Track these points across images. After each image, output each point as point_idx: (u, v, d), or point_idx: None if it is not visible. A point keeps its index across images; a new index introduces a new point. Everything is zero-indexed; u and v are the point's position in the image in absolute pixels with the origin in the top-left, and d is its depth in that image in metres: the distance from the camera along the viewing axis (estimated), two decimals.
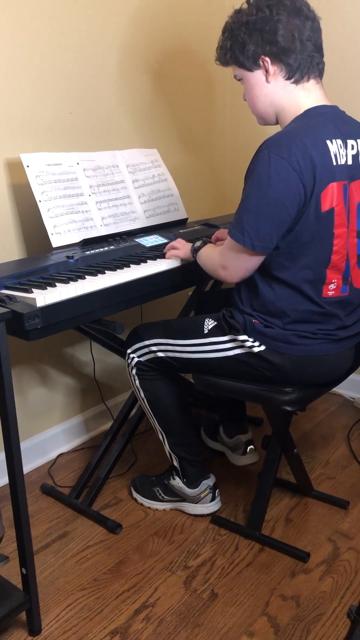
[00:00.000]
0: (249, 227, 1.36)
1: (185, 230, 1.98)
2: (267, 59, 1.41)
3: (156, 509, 1.85)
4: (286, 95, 1.44)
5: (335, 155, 1.36)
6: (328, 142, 1.35)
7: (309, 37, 1.39)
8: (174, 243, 1.71)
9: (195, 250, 1.62)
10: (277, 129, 1.46)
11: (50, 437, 2.14)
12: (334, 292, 1.45)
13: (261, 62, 1.42)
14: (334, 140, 1.36)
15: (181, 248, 1.68)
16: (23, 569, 1.38)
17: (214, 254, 1.54)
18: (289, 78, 1.42)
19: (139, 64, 2.18)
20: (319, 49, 1.43)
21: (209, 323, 1.57)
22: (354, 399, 2.49)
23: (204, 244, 1.62)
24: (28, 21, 1.79)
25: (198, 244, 1.63)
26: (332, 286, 1.44)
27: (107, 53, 2.05)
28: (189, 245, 1.66)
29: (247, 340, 1.49)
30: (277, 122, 1.51)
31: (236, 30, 1.43)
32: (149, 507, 1.86)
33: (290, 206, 1.33)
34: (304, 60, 1.40)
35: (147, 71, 2.22)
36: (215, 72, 2.47)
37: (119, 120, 2.15)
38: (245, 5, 1.43)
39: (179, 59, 2.33)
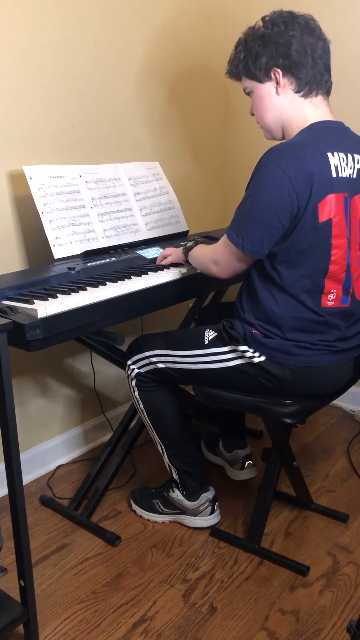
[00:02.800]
0: (242, 229, 1.41)
1: (186, 242, 1.99)
2: (279, 70, 1.44)
3: (155, 522, 1.84)
4: (294, 108, 1.47)
5: (336, 168, 1.38)
6: (329, 154, 1.38)
7: (320, 55, 1.44)
8: (163, 252, 1.78)
9: (187, 250, 1.65)
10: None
11: (50, 448, 2.14)
12: (333, 303, 1.46)
13: (273, 74, 1.46)
14: (335, 153, 1.39)
15: (172, 252, 1.72)
16: (21, 581, 1.37)
17: (207, 249, 1.59)
18: (298, 91, 1.45)
19: (142, 78, 2.20)
20: (327, 69, 1.48)
21: (209, 334, 1.58)
22: (354, 411, 2.49)
23: (196, 243, 1.66)
24: (33, 36, 1.81)
25: (190, 243, 1.68)
26: (331, 296, 1.45)
27: (110, 67, 2.08)
28: (180, 248, 1.71)
29: (248, 351, 1.50)
30: (283, 137, 1.53)
31: (250, 42, 1.47)
32: (148, 520, 1.85)
33: (281, 214, 1.35)
34: (314, 76, 1.44)
35: (152, 85, 2.24)
36: (220, 88, 2.50)
37: (121, 133, 2.17)
38: (260, 23, 1.48)
39: (182, 74, 2.36)
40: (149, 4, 2.16)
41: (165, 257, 1.76)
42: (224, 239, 1.48)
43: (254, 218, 1.38)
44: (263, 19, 1.47)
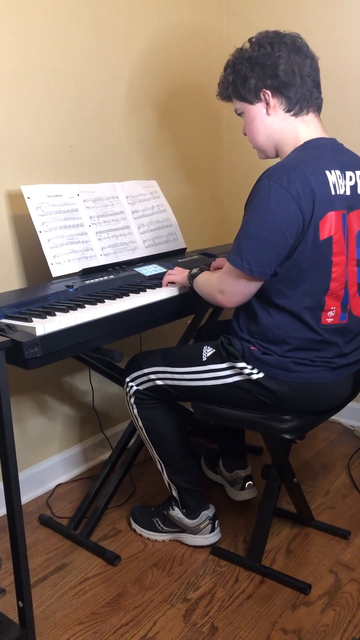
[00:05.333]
0: (247, 253, 1.38)
1: (184, 259, 2.01)
2: (268, 92, 1.46)
3: (155, 540, 1.83)
4: (286, 127, 1.48)
5: (334, 185, 1.39)
6: (327, 172, 1.39)
7: (309, 73, 1.45)
8: (171, 271, 1.75)
9: (192, 277, 1.65)
10: (276, 162, 1.49)
11: (49, 467, 2.13)
12: (332, 320, 1.46)
13: (262, 95, 1.47)
14: (332, 171, 1.40)
15: (178, 274, 1.72)
16: (20, 602, 1.35)
17: (211, 278, 1.57)
18: (288, 111, 1.47)
19: (141, 99, 2.23)
20: (317, 86, 1.48)
21: (208, 350, 1.58)
22: (353, 427, 2.48)
23: (201, 271, 1.65)
24: (31, 55, 1.84)
25: (195, 270, 1.66)
26: (330, 313, 1.45)
27: (108, 87, 2.11)
28: (186, 271, 1.69)
29: (246, 368, 1.50)
30: (276, 155, 1.55)
31: (238, 65, 1.48)
32: (148, 538, 1.83)
33: (288, 233, 1.35)
34: (304, 94, 1.45)
35: (148, 105, 2.27)
36: (215, 108, 2.53)
37: (119, 152, 2.19)
38: (247, 44, 1.49)
39: (180, 94, 2.40)
40: (145, 24, 2.20)
41: (170, 275, 1.73)
42: (227, 266, 1.45)
43: (260, 240, 1.37)
44: (250, 40, 1.48)
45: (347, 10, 2.18)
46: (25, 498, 2.03)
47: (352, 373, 1.57)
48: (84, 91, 2.02)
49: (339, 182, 1.41)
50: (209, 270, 1.77)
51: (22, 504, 1.87)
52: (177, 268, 1.75)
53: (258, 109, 1.49)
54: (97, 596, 1.62)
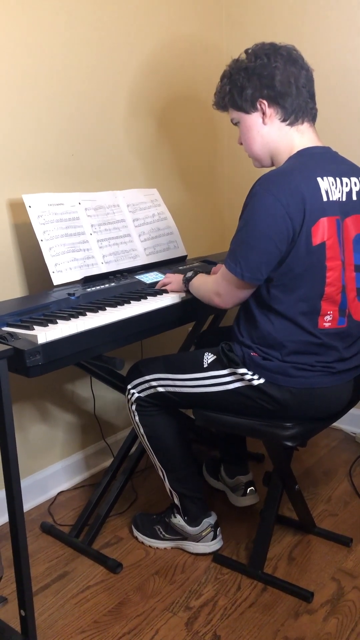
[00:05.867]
0: (240, 259, 1.42)
1: (184, 267, 2.01)
2: (265, 101, 1.48)
3: (157, 548, 1.82)
4: (281, 136, 1.50)
5: (327, 192, 1.41)
6: (319, 179, 1.40)
7: (304, 84, 1.48)
8: (164, 280, 1.79)
9: (187, 280, 1.67)
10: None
11: (51, 474, 2.12)
12: (330, 324, 1.47)
13: (259, 105, 1.49)
14: (325, 178, 1.41)
15: (173, 282, 1.74)
16: (22, 611, 1.35)
17: (208, 281, 1.61)
18: (284, 120, 1.49)
19: (141, 108, 2.25)
20: (312, 96, 1.51)
21: (208, 357, 1.59)
22: (355, 434, 2.48)
23: (195, 274, 1.68)
24: (32, 65, 1.86)
25: (189, 274, 1.69)
26: (327, 317, 1.46)
27: (109, 97, 2.12)
28: (180, 276, 1.72)
29: (247, 373, 1.50)
30: (272, 164, 1.57)
31: (235, 75, 1.51)
32: (149, 546, 1.83)
33: (277, 240, 1.37)
34: (299, 105, 1.48)
35: (149, 114, 2.29)
36: (215, 117, 2.55)
37: (120, 161, 2.20)
38: (243, 55, 1.52)
39: (181, 104, 2.41)
40: (145, 35, 2.22)
41: (165, 285, 1.77)
42: (222, 269, 1.49)
43: (250, 246, 1.40)
44: (246, 51, 1.51)
45: (343, 22, 2.20)
46: (27, 506, 2.03)
47: (352, 378, 1.57)
48: (85, 100, 2.04)
49: (332, 188, 1.42)
50: (201, 271, 1.79)
51: (24, 511, 1.86)
52: (168, 275, 1.79)
53: (254, 118, 1.51)
54: (99, 604, 1.61)
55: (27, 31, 1.82)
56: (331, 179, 1.43)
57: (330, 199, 1.41)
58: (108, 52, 2.09)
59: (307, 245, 1.39)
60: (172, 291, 1.74)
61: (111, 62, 2.11)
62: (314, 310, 1.45)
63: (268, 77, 1.46)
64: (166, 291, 1.74)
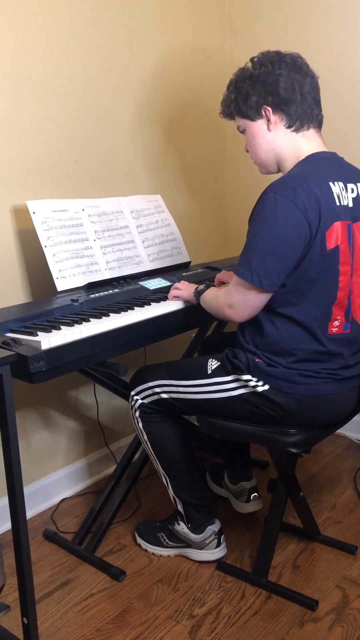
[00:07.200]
0: (257, 266, 1.39)
1: (188, 273, 2.01)
2: (269, 108, 1.49)
3: (161, 555, 1.81)
4: (287, 143, 1.51)
5: (338, 196, 1.42)
6: (330, 183, 1.41)
7: (309, 91, 1.49)
8: (177, 284, 1.75)
9: (198, 294, 1.65)
10: (278, 177, 1.50)
11: (54, 481, 2.12)
12: (337, 329, 1.47)
13: (263, 112, 1.50)
14: (335, 183, 1.42)
15: (184, 289, 1.72)
16: (24, 619, 1.35)
17: (219, 293, 1.57)
18: (289, 126, 1.50)
19: (145, 115, 2.26)
20: (317, 103, 1.52)
21: (213, 363, 1.58)
22: (359, 441, 2.47)
23: (207, 287, 1.66)
24: (36, 72, 1.86)
25: (201, 287, 1.66)
26: (336, 323, 1.47)
27: (113, 104, 2.13)
28: (193, 286, 1.69)
29: (251, 380, 1.50)
30: (278, 170, 1.57)
31: (240, 83, 1.52)
32: (153, 554, 1.82)
33: (296, 244, 1.37)
34: (304, 111, 1.49)
35: (153, 121, 2.29)
36: (218, 123, 2.55)
37: (123, 168, 2.21)
38: (249, 64, 1.53)
39: (185, 111, 2.42)
40: (150, 42, 2.23)
41: (176, 289, 1.73)
42: (235, 280, 1.46)
43: (268, 252, 1.38)
44: (252, 59, 1.53)
45: (348, 29, 2.21)
46: (29, 513, 2.02)
47: (357, 385, 1.57)
48: (90, 108, 2.05)
49: (342, 193, 1.43)
50: (213, 285, 1.78)
51: (27, 518, 1.86)
52: (183, 282, 1.75)
53: (259, 125, 1.52)
54: (102, 612, 1.60)
55: (29, 37, 1.83)
56: (341, 184, 1.43)
57: (342, 203, 1.42)
58: (114, 60, 2.10)
59: (322, 250, 1.39)
60: (182, 298, 1.70)
61: (117, 70, 2.12)
62: (326, 315, 1.45)
63: (272, 84, 1.47)
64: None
